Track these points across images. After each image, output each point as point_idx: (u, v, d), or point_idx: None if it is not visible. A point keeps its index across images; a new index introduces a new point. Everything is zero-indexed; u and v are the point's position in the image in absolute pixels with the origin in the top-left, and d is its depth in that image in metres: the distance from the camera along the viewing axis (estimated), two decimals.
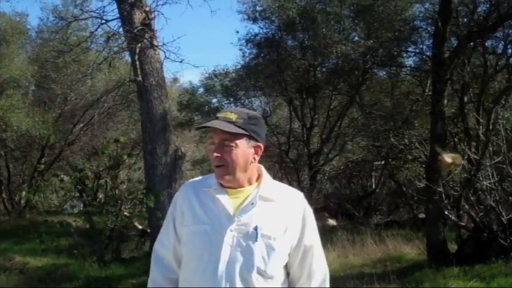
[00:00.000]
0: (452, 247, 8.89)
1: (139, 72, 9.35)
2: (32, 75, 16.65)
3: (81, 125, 17.71)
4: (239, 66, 17.27)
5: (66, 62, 15.71)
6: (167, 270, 2.26)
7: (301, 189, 15.47)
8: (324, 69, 15.70)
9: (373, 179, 16.74)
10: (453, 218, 8.60)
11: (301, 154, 17.07)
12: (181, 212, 2.21)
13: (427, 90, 12.09)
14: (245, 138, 2.12)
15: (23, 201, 17.40)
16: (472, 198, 8.40)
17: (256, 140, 2.16)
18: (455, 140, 10.49)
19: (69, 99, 17.74)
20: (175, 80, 22.34)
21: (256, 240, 2.08)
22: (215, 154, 2.12)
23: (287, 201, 2.19)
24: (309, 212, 2.23)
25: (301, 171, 16.56)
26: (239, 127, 2.10)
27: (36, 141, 16.66)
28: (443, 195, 8.25)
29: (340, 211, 15.15)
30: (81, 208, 11.24)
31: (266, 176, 2.23)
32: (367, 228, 11.27)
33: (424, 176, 9.27)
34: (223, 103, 19.41)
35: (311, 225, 2.22)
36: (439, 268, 7.85)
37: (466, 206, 8.63)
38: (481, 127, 8.75)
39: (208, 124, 2.13)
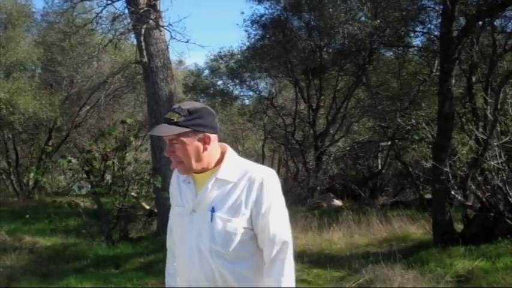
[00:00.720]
0: (458, 227, 8.90)
1: (145, 54, 9.35)
2: (38, 58, 16.67)
3: (88, 107, 17.77)
4: (244, 48, 17.27)
5: (72, 45, 15.71)
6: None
7: (306, 170, 15.57)
8: (330, 50, 15.64)
9: (379, 160, 16.74)
10: (459, 198, 8.60)
11: (307, 135, 17.08)
12: (171, 193, 2.49)
13: (434, 71, 12.04)
14: (189, 134, 2.24)
15: (31, 183, 17.55)
16: (479, 178, 8.39)
17: (203, 131, 2.26)
18: (463, 120, 10.46)
19: (76, 81, 17.78)
20: (180, 62, 22.35)
21: (211, 221, 2.24)
22: (166, 154, 2.29)
23: (247, 180, 2.28)
24: (268, 185, 2.27)
25: (306, 153, 16.58)
26: (181, 126, 2.22)
27: (44, 124, 16.74)
28: (450, 175, 8.24)
29: (346, 192, 15.16)
30: (88, 189, 11.29)
31: (228, 156, 2.34)
32: (373, 209, 11.26)
33: (431, 156, 9.26)
34: (228, 85, 19.44)
35: (268, 198, 2.27)
36: (445, 248, 7.86)
37: (473, 186, 8.61)
38: (489, 107, 8.71)
39: (151, 132, 2.35)
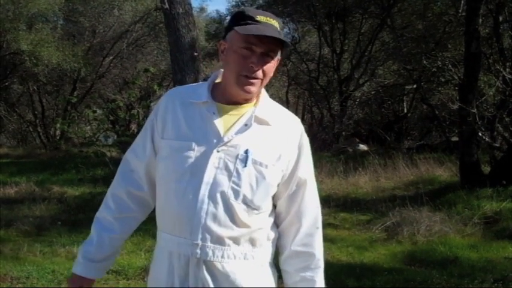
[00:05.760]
0: (485, 169, 8.84)
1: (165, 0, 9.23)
2: (59, 9, 16.64)
3: (111, 57, 17.80)
4: None
5: None
6: (133, 184, 1.98)
7: (331, 115, 15.51)
8: None
9: (404, 104, 16.58)
10: (487, 139, 8.51)
11: (331, 80, 16.95)
12: (162, 121, 1.91)
13: (460, 11, 11.72)
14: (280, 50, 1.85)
15: (58, 134, 17.81)
16: (506, 119, 8.28)
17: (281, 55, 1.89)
18: (490, 61, 10.24)
19: (98, 31, 17.77)
20: (202, 9, 22.20)
21: (245, 165, 1.81)
22: (258, 66, 1.80)
23: (284, 126, 1.90)
24: (306, 140, 1.94)
25: (331, 98, 16.48)
26: (284, 38, 1.82)
27: (68, 75, 16.86)
28: (477, 117, 8.14)
29: (371, 137, 15.09)
30: (114, 138, 11.41)
31: (265, 94, 1.93)
32: (399, 152, 11.21)
33: (458, 98, 9.12)
34: None
35: (307, 155, 1.93)
36: (472, 189, 7.83)
37: (500, 128, 8.51)
38: None
39: (269, 34, 1.76)
